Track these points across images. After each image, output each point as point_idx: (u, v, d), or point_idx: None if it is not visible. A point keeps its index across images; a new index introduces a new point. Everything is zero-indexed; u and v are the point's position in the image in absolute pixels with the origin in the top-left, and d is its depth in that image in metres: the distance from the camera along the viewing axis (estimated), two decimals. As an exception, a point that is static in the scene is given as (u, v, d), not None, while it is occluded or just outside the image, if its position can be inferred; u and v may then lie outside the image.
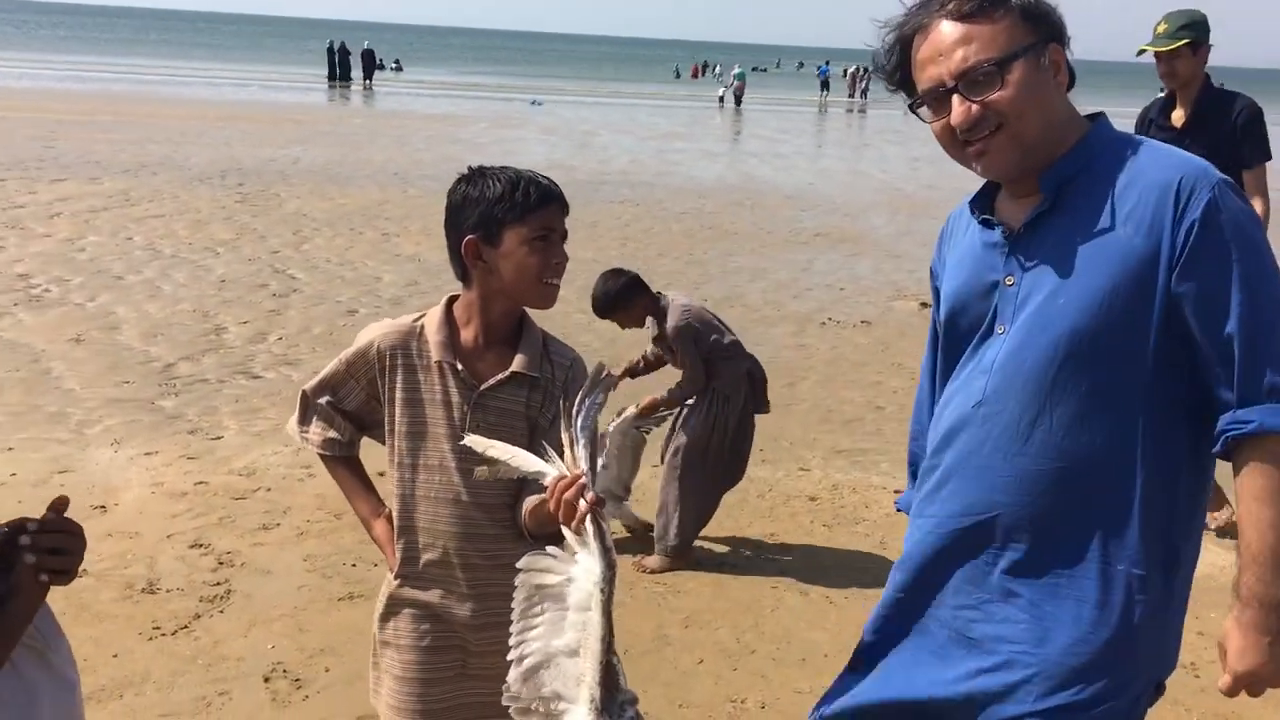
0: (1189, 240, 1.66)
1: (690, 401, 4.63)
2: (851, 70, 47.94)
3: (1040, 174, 1.78)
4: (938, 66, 1.75)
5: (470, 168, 2.23)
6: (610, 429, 4.66)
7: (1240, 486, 1.67)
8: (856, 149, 26.15)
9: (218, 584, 4.14)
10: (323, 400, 2.31)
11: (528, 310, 2.30)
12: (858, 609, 4.05)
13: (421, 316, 2.28)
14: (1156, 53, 4.74)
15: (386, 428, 2.25)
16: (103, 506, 4.77)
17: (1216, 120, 4.65)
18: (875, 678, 2.00)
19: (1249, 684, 1.68)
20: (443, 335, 2.21)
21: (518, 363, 2.21)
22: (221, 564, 4.31)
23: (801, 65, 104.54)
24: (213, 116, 23.51)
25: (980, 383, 1.83)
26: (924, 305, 9.10)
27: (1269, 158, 4.75)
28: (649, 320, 4.67)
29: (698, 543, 4.67)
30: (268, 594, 4.10)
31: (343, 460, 2.37)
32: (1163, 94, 5.03)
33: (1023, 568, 1.81)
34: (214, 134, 20.02)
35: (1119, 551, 1.75)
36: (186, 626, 3.84)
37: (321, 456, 2.37)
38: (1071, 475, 1.75)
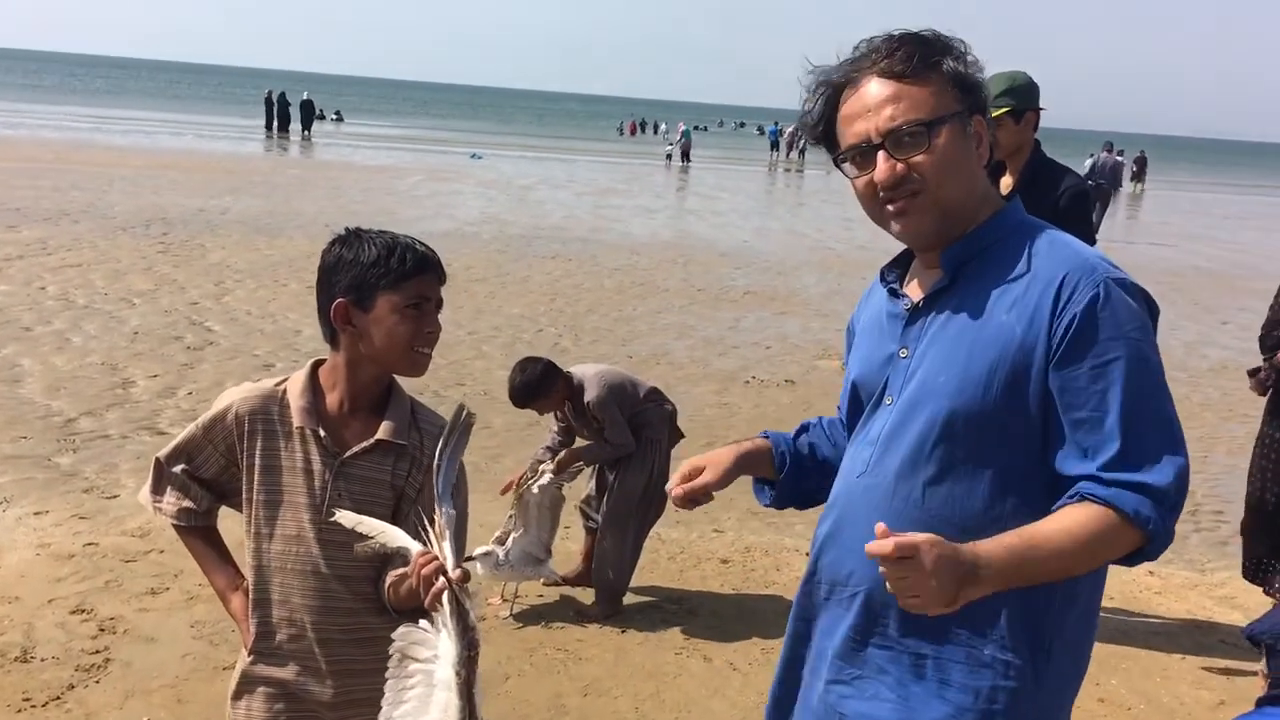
0: (1067, 335, 1.65)
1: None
2: (790, 130, 48.65)
3: (942, 251, 1.78)
4: (865, 122, 1.73)
5: (347, 229, 2.16)
6: (533, 490, 4.60)
7: (1072, 510, 1.63)
8: (793, 208, 26.47)
9: (96, 652, 3.97)
10: (178, 468, 2.22)
11: (396, 377, 2.23)
12: (761, 676, 3.98)
13: (284, 380, 2.19)
14: None
15: (244, 495, 2.15)
16: (-18, 569, 4.57)
17: (1041, 194, 4.13)
18: None
19: (899, 562, 1.53)
20: (305, 400, 2.13)
21: (384, 430, 2.13)
22: (103, 630, 4.13)
23: (742, 125, 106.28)
24: (142, 165, 23.19)
25: (866, 454, 1.83)
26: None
27: (1092, 243, 4.42)
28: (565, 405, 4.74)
29: (603, 607, 4.61)
30: (149, 663, 3.93)
31: (199, 531, 2.27)
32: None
33: (891, 645, 1.78)
34: (142, 182, 19.72)
35: (986, 635, 1.72)
36: (59, 698, 3.66)
37: (176, 527, 2.27)
38: None
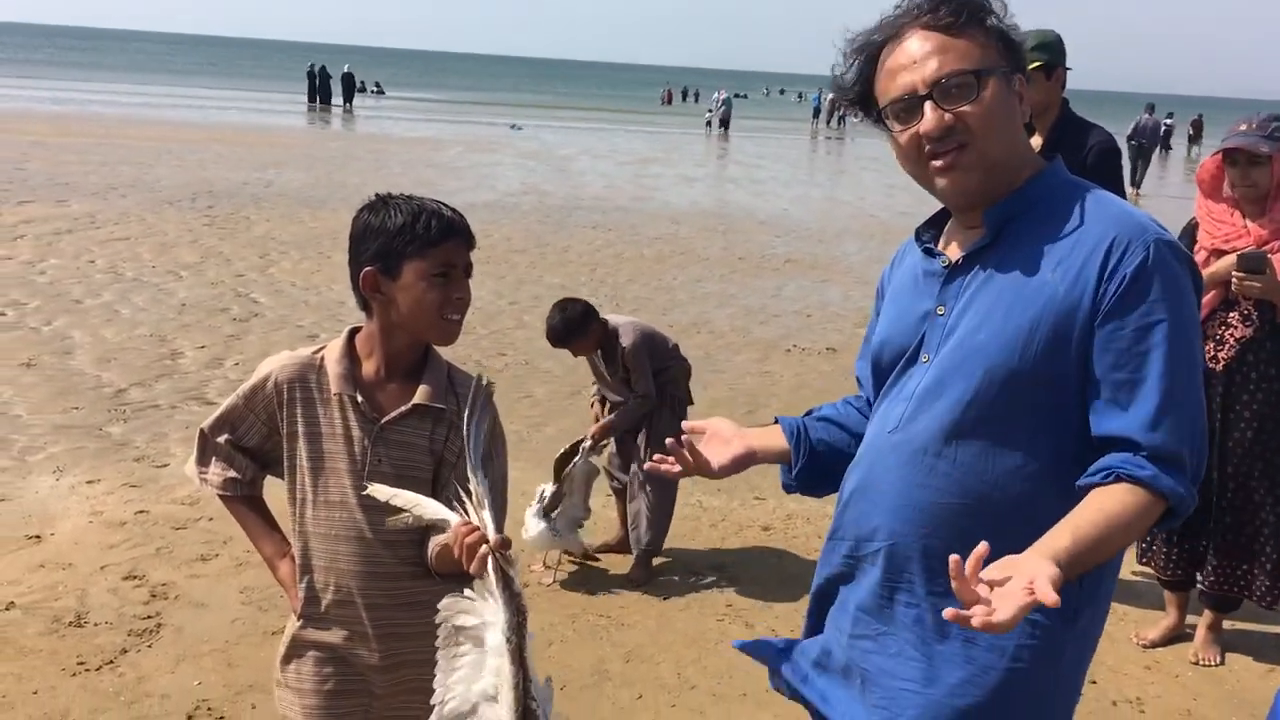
0: (1115, 295, 1.63)
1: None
2: (830, 97, 48.09)
3: (985, 209, 1.76)
4: (910, 74, 1.72)
5: (376, 195, 2.16)
6: (575, 467, 4.64)
7: (1110, 492, 1.61)
8: (833, 175, 26.24)
9: (148, 617, 4.04)
10: (222, 438, 2.24)
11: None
12: (803, 643, 3.98)
13: (322, 348, 2.21)
14: None
15: (286, 464, 2.18)
16: (38, 536, 4.67)
17: (1069, 152, 3.94)
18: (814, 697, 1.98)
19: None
20: (343, 367, 2.14)
21: (420, 394, 2.14)
22: (155, 596, 4.21)
23: (782, 91, 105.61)
24: (187, 139, 23.43)
25: (899, 410, 1.81)
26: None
27: (1122, 197, 4.21)
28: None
29: (645, 574, 4.65)
30: (199, 627, 4.00)
31: (245, 500, 2.30)
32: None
33: (916, 602, 1.77)
34: (188, 156, 19.93)
35: None
36: (112, 662, 3.74)
37: (222, 497, 2.31)
38: (969, 513, 1.71)
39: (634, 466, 4.74)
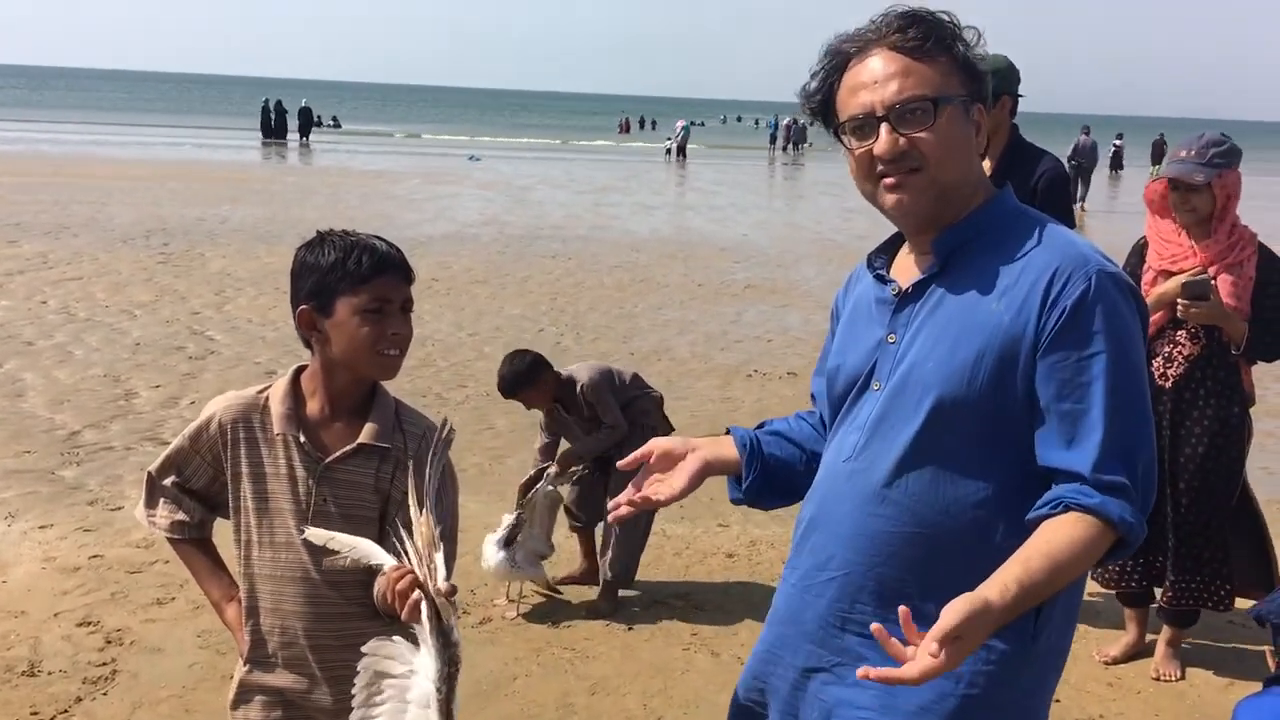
0: (1056, 326, 1.65)
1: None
2: (785, 122, 48.61)
3: (934, 237, 1.78)
4: (871, 93, 1.73)
5: (317, 232, 2.15)
6: (538, 493, 4.62)
7: (1059, 523, 1.62)
8: (792, 201, 26.44)
9: (103, 664, 3.96)
10: (169, 481, 2.21)
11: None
12: (768, 670, 3.96)
13: (267, 387, 2.19)
14: None
15: (231, 505, 2.15)
16: (-12, 585, 4.58)
17: (1018, 178, 3.93)
18: None
19: (948, 642, 1.48)
20: (286, 406, 2.12)
21: (366, 433, 2.12)
22: (110, 642, 4.12)
23: (740, 119, 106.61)
24: (142, 176, 23.22)
25: (853, 439, 1.82)
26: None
27: (1071, 225, 4.24)
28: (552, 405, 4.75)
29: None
30: (156, 673, 3.92)
31: (194, 542, 2.26)
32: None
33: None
34: (141, 194, 19.75)
35: None
36: (66, 711, 3.66)
37: (170, 540, 2.27)
38: (923, 540, 1.72)
39: (609, 500, 4.71)
